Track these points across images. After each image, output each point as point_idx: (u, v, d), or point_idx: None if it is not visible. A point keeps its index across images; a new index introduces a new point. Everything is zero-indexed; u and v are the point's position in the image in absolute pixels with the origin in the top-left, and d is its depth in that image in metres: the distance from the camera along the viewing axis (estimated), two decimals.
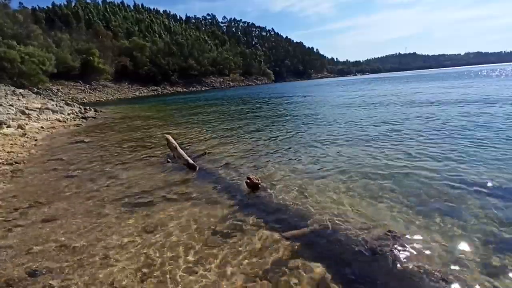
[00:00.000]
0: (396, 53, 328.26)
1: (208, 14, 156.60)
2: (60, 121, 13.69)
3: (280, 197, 3.88)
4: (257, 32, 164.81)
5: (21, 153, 7.10)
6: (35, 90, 35.35)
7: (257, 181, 4.22)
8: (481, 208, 3.19)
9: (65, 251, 2.83)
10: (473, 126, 7.30)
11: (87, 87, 51.96)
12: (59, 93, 42.87)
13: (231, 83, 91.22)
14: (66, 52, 51.55)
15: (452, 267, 2.31)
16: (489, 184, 3.79)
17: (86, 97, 45.38)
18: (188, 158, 5.58)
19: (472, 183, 3.84)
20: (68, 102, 24.16)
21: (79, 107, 19.92)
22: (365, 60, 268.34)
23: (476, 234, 2.73)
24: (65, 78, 49.48)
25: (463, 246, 2.58)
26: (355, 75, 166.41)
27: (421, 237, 2.74)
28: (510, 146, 5.36)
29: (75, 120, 14.69)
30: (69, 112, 16.87)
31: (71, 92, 46.60)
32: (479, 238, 2.66)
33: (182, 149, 6.07)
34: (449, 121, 8.15)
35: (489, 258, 2.39)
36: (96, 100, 43.19)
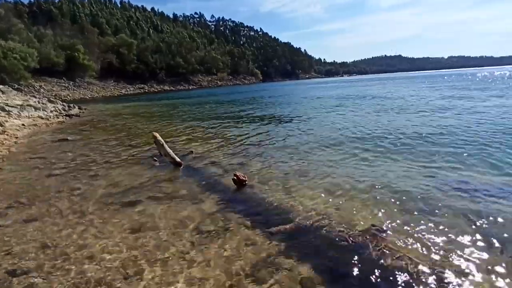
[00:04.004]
0: (382, 55, 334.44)
1: (195, 13, 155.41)
2: (42, 118, 13.32)
3: (267, 194, 3.92)
4: (245, 32, 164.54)
5: (0, 151, 6.88)
6: (16, 86, 34.14)
7: (243, 178, 4.24)
8: (466, 206, 3.31)
9: (47, 251, 2.76)
10: (463, 128, 7.55)
11: (71, 84, 50.47)
12: (42, 90, 41.49)
13: (218, 82, 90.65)
14: (50, 47, 50.03)
15: (436, 260, 2.39)
16: (473, 183, 3.93)
17: (70, 94, 44.08)
18: (175, 156, 5.55)
19: (458, 182, 3.97)
20: (51, 99, 23.47)
21: (63, 105, 19.37)
22: (352, 62, 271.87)
23: (460, 229, 2.83)
24: (48, 74, 47.91)
25: (448, 240, 2.66)
26: (342, 76, 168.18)
27: (404, 231, 2.82)
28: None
29: (58, 118, 14.31)
30: (52, 109, 16.38)
31: (54, 89, 45.18)
32: (462, 233, 2.76)
33: (169, 147, 6.02)
34: (432, 122, 8.39)
35: (472, 253, 2.48)
36: (81, 98, 42.06)
